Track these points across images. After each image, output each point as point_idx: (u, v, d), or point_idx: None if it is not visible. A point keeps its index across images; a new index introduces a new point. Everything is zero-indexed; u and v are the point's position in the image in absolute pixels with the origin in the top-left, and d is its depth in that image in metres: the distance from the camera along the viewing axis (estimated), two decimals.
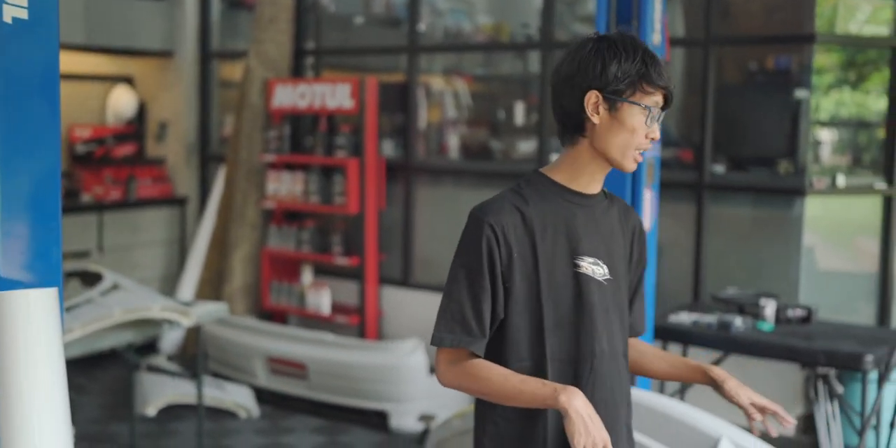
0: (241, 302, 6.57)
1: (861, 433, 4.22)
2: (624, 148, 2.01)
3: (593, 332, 2.03)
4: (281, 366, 5.70)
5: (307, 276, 6.39)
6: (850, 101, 5.49)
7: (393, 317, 6.17)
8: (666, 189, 5.19)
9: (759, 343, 4.37)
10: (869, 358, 4.12)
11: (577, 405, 1.85)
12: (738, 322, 4.54)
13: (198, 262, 6.84)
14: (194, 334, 6.47)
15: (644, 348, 2.26)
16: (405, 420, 5.24)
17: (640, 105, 1.99)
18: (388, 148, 6.41)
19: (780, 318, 4.68)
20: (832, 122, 5.45)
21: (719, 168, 5.39)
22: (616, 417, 2.09)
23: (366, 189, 5.99)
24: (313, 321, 6.39)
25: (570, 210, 2.05)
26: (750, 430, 2.27)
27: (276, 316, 6.60)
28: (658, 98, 2.02)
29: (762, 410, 2.08)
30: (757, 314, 4.72)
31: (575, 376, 2.03)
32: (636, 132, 2.00)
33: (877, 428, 4.35)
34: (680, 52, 5.53)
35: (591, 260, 2.04)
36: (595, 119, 2.00)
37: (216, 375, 6.05)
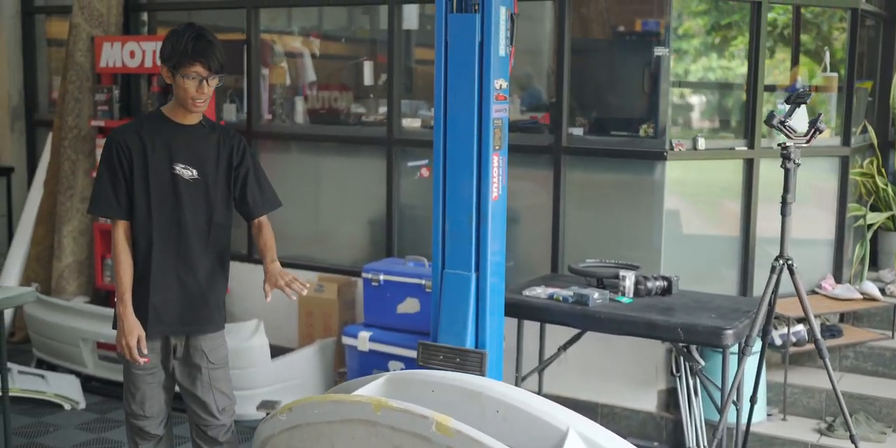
0: (72, 281, 6.10)
1: (721, 409, 4.02)
2: (184, 99, 3.20)
3: (181, 210, 3.25)
4: (111, 351, 5.19)
5: None
6: (716, 66, 5.26)
7: (238, 294, 5.70)
8: (523, 153, 4.88)
9: (617, 318, 4.12)
10: (729, 333, 3.95)
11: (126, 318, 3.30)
12: (596, 295, 4.28)
13: (25, 238, 6.33)
14: (21, 320, 5.93)
15: (264, 237, 3.37)
16: (245, 408, 4.78)
17: (182, 75, 3.14)
18: (230, 112, 5.96)
19: (639, 290, 4.44)
20: (697, 84, 5.20)
21: (577, 131, 5.09)
22: (197, 264, 3.32)
23: None
24: None
25: (172, 134, 3.25)
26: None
27: (111, 296, 6.11)
28: (198, 68, 3.13)
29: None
30: (616, 287, 4.48)
31: (170, 234, 3.25)
32: (188, 90, 3.16)
33: (737, 402, 4.15)
34: (549, 10, 5.16)
35: (182, 165, 3.23)
36: (169, 81, 3.21)
37: (41, 364, 5.54)
